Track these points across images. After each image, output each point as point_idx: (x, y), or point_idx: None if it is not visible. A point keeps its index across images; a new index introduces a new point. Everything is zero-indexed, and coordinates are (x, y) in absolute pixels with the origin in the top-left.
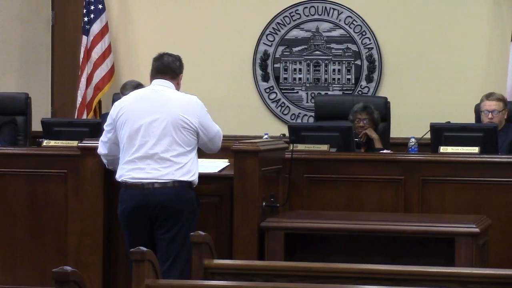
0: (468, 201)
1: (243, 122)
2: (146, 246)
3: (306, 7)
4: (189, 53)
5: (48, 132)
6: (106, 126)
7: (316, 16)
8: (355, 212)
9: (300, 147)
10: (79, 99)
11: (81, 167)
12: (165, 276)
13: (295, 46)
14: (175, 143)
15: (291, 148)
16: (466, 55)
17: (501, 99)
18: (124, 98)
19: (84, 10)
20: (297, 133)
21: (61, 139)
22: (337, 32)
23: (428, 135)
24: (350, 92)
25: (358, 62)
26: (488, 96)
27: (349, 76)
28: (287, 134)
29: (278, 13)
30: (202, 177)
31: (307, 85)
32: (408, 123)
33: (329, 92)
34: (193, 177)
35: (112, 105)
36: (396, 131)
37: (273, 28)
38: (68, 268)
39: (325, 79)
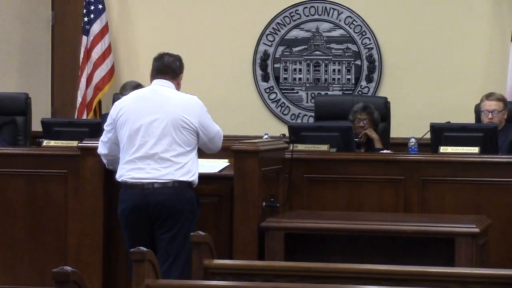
0: (468, 201)
1: (243, 122)
2: (146, 246)
3: (306, 7)
4: (189, 53)
5: (48, 132)
6: (106, 126)
7: (316, 16)
8: (355, 212)
9: (300, 147)
10: (79, 99)
11: (81, 167)
12: (165, 276)
13: (295, 46)
14: (175, 143)
15: (291, 148)
16: (466, 55)
17: (501, 99)
18: (124, 98)
19: (84, 10)
20: (297, 133)
21: (61, 139)
22: (337, 32)
23: (428, 135)
24: (350, 92)
25: (358, 62)
26: (488, 96)
27: (349, 76)
28: (287, 134)
29: (278, 13)
30: (202, 177)
31: (307, 85)
32: (408, 123)
33: (329, 92)
34: (193, 177)
35: (112, 105)
36: (396, 131)
37: (273, 28)
38: (68, 268)
39: (325, 79)
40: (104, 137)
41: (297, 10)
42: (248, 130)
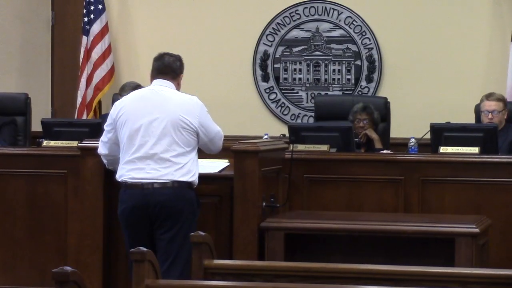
0: (468, 201)
1: (243, 122)
2: (146, 246)
3: (306, 7)
4: (189, 53)
5: (48, 132)
6: (106, 126)
7: (316, 16)
8: (355, 212)
9: (300, 147)
10: (79, 99)
11: (81, 167)
12: (164, 276)
13: (295, 46)
14: (175, 143)
15: (291, 148)
16: (466, 55)
17: (501, 99)
18: (124, 98)
19: (84, 11)
20: (297, 133)
21: (61, 139)
22: (337, 32)
23: (428, 135)
24: (350, 92)
25: (358, 62)
26: (488, 96)
27: (349, 76)
28: (287, 134)
29: (278, 13)
30: (202, 177)
31: (307, 85)
32: (408, 123)
33: (329, 92)
34: (193, 178)
35: (112, 105)
36: (396, 131)
37: (273, 28)
38: (68, 268)
39: (325, 79)
40: (104, 137)
41: (297, 10)
42: (248, 130)
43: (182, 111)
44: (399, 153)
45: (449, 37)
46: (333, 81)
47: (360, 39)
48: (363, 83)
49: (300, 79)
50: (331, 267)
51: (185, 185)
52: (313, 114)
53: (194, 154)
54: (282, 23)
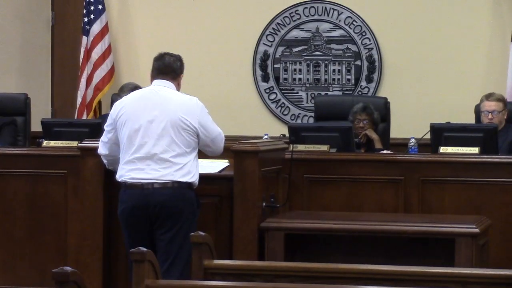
0: (468, 202)
1: (243, 122)
2: (146, 246)
3: (306, 8)
4: (189, 53)
5: (48, 132)
6: (106, 127)
7: (316, 17)
8: (355, 213)
9: (300, 147)
10: (79, 99)
11: (81, 168)
12: (164, 276)
13: (295, 46)
14: (174, 144)
15: (291, 148)
16: (466, 55)
17: (501, 99)
18: (124, 98)
19: (84, 11)
20: (297, 134)
21: (61, 140)
22: (337, 33)
23: (428, 136)
24: (350, 92)
25: (358, 62)
26: (488, 97)
27: (349, 77)
28: (287, 135)
29: (278, 14)
30: (202, 177)
31: (307, 85)
32: (408, 123)
33: (329, 93)
34: (193, 179)
35: (111, 105)
36: (396, 132)
37: (273, 28)
38: (68, 268)
39: (325, 80)
40: (104, 138)
41: (297, 10)
42: (248, 130)
43: (182, 111)
44: (399, 153)
45: (449, 37)
46: (333, 81)
47: (360, 39)
48: (363, 83)
49: (300, 79)
50: (331, 267)
51: (185, 186)
52: (313, 114)
53: (194, 155)
54: (282, 23)
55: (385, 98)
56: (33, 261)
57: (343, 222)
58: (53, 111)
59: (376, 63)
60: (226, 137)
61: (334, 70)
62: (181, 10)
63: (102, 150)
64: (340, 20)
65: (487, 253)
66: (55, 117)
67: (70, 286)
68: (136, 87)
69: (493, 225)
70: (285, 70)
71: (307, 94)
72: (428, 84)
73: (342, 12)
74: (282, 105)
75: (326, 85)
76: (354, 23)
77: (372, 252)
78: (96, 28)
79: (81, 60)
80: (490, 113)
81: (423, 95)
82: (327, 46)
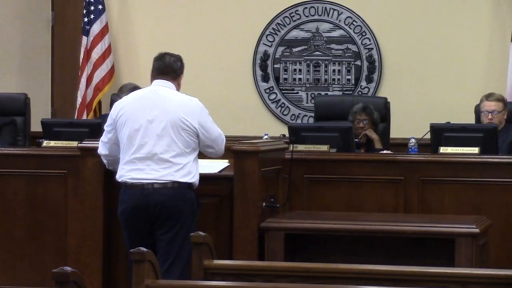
0: (468, 202)
1: (243, 122)
2: (146, 246)
3: (306, 8)
4: (189, 53)
5: (48, 132)
6: (106, 127)
7: (316, 17)
8: (355, 213)
9: (300, 147)
10: (79, 99)
11: (81, 168)
12: (164, 276)
13: (295, 46)
14: (174, 144)
15: (291, 148)
16: (466, 55)
17: (501, 99)
18: (124, 98)
19: (84, 11)
20: (297, 134)
21: (61, 140)
22: (337, 33)
23: (428, 136)
24: (350, 92)
25: (358, 62)
26: (488, 97)
27: (349, 77)
28: (287, 135)
29: (278, 14)
30: (202, 177)
31: (307, 85)
32: (408, 124)
33: (329, 93)
34: (193, 179)
35: (111, 105)
36: (396, 132)
37: (273, 28)
38: (68, 268)
39: (325, 80)
40: (104, 138)
41: (297, 10)
42: (248, 130)
43: (182, 111)
44: (399, 153)
45: (449, 37)
46: (333, 82)
47: (360, 39)
48: (363, 83)
49: (300, 79)
50: (331, 267)
51: (185, 186)
52: (313, 114)
53: (194, 155)
54: (282, 23)
55: (385, 98)
56: (33, 261)
57: (343, 222)
58: (53, 111)
59: (376, 63)
60: (226, 137)
61: (334, 70)
62: (181, 10)
63: (102, 150)
64: (340, 20)
65: (487, 253)
66: (55, 117)
67: (70, 286)
68: (135, 88)
69: (493, 225)
70: (285, 70)
71: (307, 94)
72: (428, 84)
73: (342, 12)
74: (282, 105)
75: (326, 85)
76: (354, 23)
77: (372, 252)
78: (96, 28)
79: (81, 60)
80: (490, 113)
81: (423, 95)
82: (327, 46)
